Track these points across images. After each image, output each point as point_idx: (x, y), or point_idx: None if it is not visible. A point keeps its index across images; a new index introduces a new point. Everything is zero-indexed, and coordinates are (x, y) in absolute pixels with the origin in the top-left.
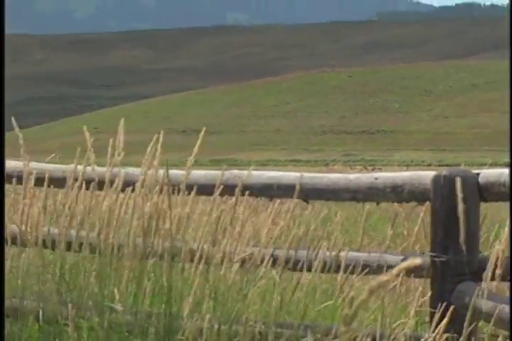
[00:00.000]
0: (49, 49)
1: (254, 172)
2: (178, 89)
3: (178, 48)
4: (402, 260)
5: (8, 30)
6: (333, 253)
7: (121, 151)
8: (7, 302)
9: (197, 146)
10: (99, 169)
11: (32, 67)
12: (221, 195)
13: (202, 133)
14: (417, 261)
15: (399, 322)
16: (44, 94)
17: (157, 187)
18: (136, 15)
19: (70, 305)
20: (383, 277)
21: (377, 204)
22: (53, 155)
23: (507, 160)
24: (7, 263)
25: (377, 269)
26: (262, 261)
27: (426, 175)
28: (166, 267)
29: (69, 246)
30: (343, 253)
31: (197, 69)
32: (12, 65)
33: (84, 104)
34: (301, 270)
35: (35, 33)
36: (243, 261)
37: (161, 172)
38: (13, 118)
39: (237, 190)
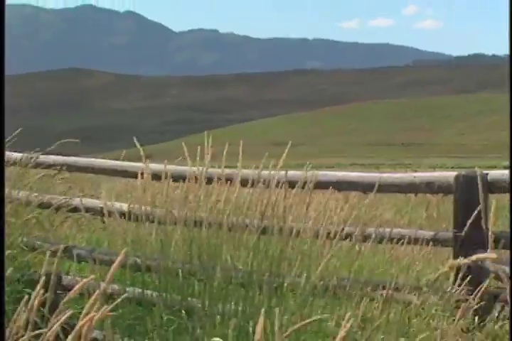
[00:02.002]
0: (182, 86)
1: (329, 173)
2: (271, 114)
3: (271, 86)
4: (434, 235)
5: (155, 73)
6: (387, 230)
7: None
8: (160, 263)
9: (284, 154)
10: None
11: (170, 99)
12: (303, 188)
13: (288, 145)
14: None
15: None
16: (178, 118)
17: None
18: (242, 63)
19: (218, 268)
20: (459, 260)
21: (415, 195)
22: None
23: (506, 164)
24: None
25: (416, 241)
26: (335, 235)
27: (450, 175)
28: (266, 239)
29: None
30: (397, 230)
31: (284, 100)
32: (156, 98)
33: (206, 125)
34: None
35: (173, 75)
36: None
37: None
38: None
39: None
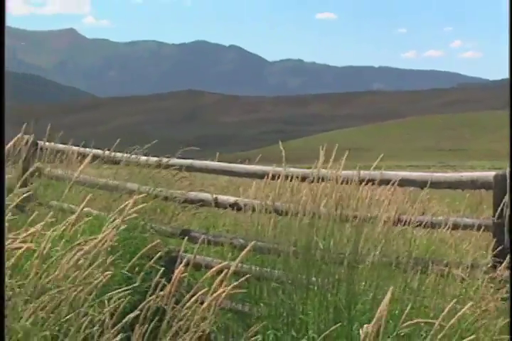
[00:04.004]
0: (274, 104)
1: (392, 173)
2: (345, 126)
3: (345, 103)
4: (477, 222)
5: (253, 93)
6: (440, 218)
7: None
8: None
9: (375, 164)
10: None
11: (265, 114)
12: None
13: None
14: None
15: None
16: (271, 129)
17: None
18: (322, 86)
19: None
20: None
21: (462, 190)
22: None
23: None
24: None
25: (460, 227)
26: (399, 221)
27: (490, 174)
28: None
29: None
30: (448, 218)
31: (355, 115)
32: (254, 113)
33: (293, 134)
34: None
35: (267, 95)
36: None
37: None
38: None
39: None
